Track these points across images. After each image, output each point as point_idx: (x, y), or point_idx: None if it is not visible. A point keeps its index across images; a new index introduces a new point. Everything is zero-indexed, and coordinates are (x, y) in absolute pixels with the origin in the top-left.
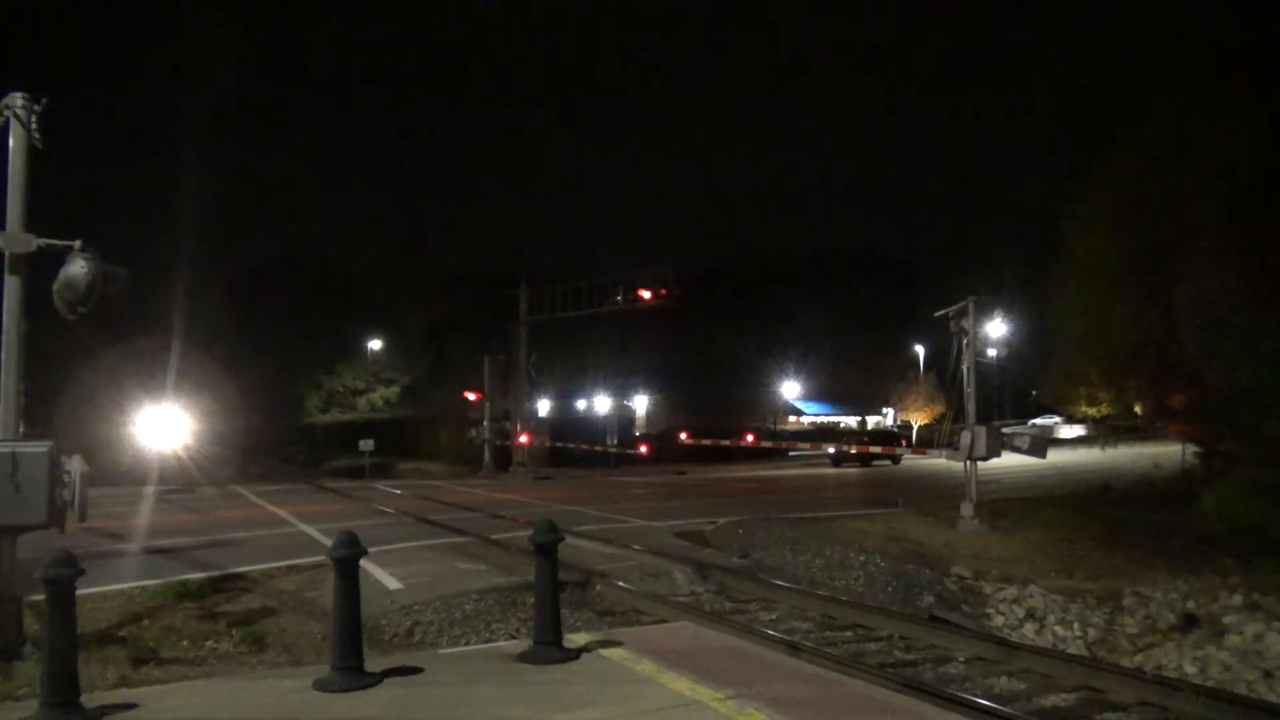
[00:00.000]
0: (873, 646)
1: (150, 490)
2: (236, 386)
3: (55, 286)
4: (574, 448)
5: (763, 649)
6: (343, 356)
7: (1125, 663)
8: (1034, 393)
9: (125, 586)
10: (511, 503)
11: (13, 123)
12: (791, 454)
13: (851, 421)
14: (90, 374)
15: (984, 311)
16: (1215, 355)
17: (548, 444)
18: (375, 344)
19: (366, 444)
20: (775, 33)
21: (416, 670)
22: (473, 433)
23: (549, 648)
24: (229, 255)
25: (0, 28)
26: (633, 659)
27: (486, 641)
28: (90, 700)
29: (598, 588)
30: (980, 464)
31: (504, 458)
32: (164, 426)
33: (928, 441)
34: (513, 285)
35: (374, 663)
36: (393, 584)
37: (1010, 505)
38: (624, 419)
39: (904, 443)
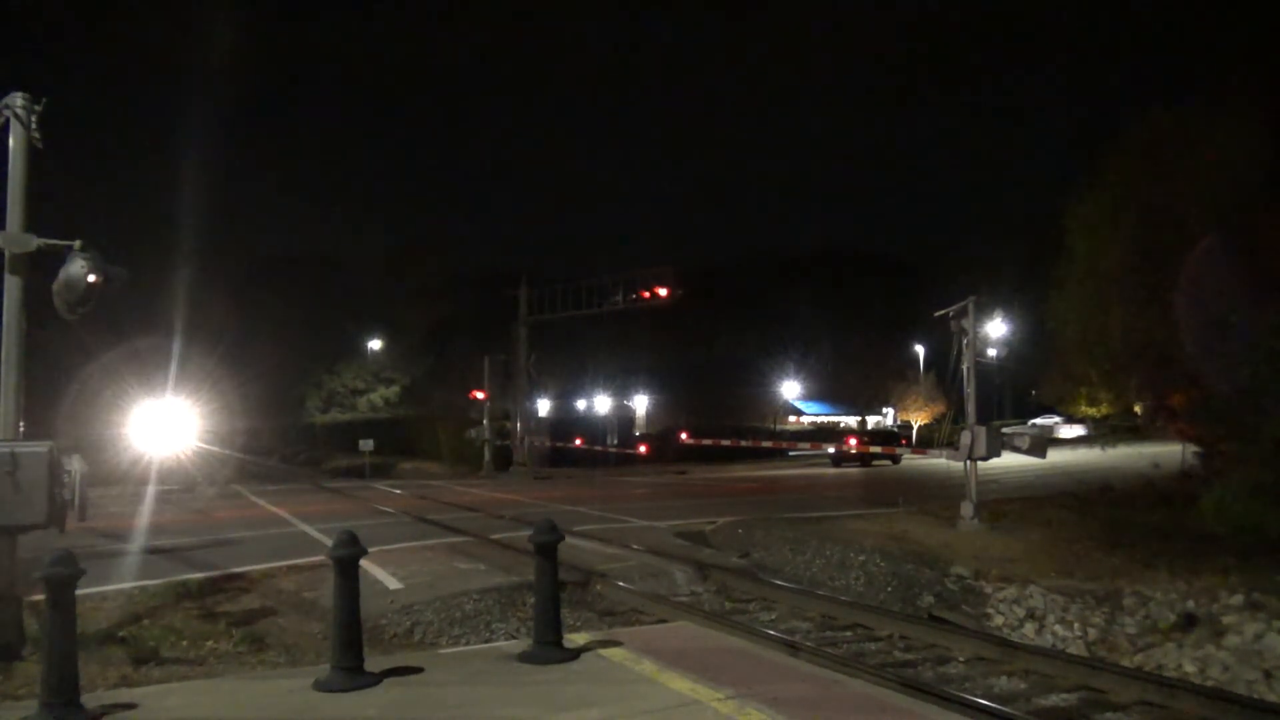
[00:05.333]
0: (873, 646)
1: (150, 490)
2: (237, 386)
3: (55, 286)
4: (574, 448)
5: (763, 649)
6: (343, 356)
7: (1125, 663)
8: (1034, 393)
9: (125, 586)
10: (511, 502)
11: (13, 123)
12: (791, 454)
13: (851, 421)
14: (91, 373)
15: (984, 311)
16: (1215, 355)
17: (548, 444)
18: (375, 344)
19: (366, 444)
20: (776, 32)
21: (416, 670)
22: (473, 433)
23: (549, 648)
24: (229, 255)
25: (0, 28)
26: (633, 659)
27: (486, 641)
28: (90, 700)
29: (598, 588)
30: (980, 464)
31: (504, 458)
32: (164, 426)
33: (928, 441)
34: (513, 285)
35: (374, 663)
36: (393, 584)
37: (1010, 505)
38: (624, 419)
39: (904, 443)
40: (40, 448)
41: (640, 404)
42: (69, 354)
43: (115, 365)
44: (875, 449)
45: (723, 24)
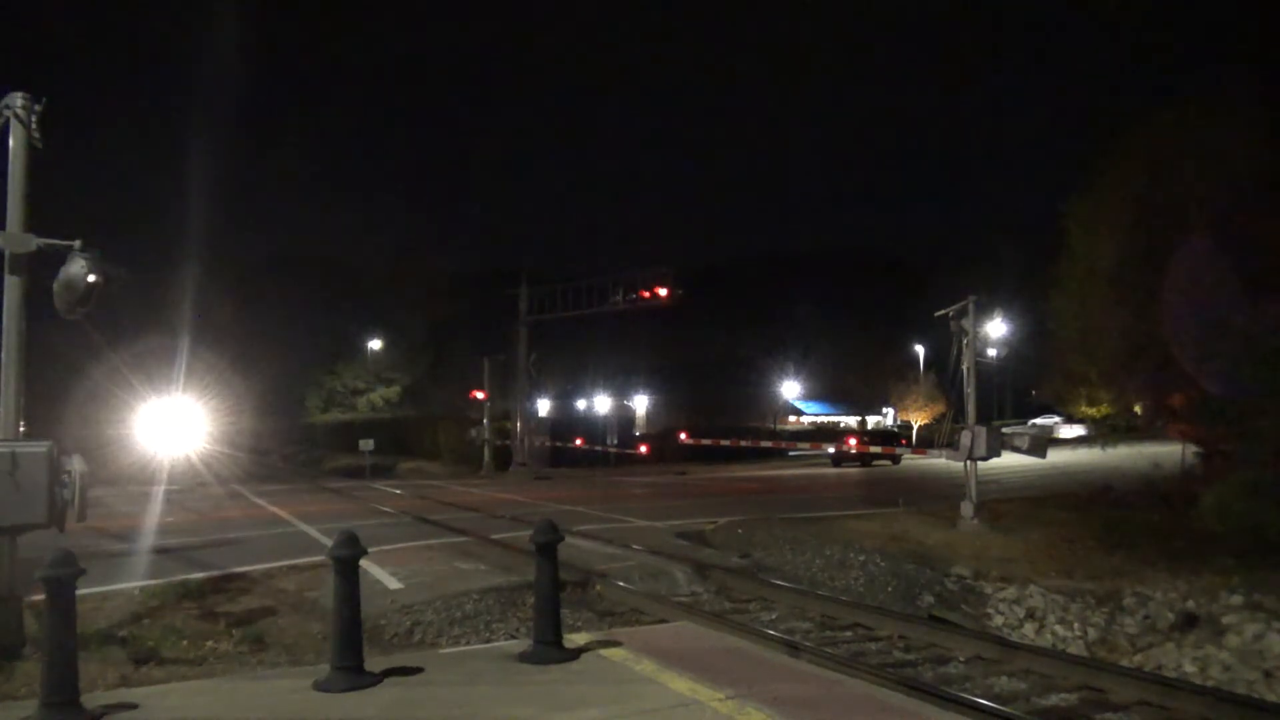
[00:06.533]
0: (873, 646)
1: (152, 490)
2: (238, 386)
3: (55, 286)
4: (574, 448)
5: (763, 649)
6: (343, 356)
7: (1125, 663)
8: (1034, 393)
9: (125, 586)
10: (511, 503)
11: (13, 123)
12: (791, 454)
13: (851, 421)
14: (97, 373)
15: (984, 311)
16: (1215, 355)
17: (548, 444)
18: (375, 344)
19: (366, 444)
20: (775, 32)
21: (417, 670)
22: (473, 433)
23: (549, 648)
24: (229, 255)
25: (0, 27)
26: (633, 659)
27: (486, 641)
28: (90, 700)
29: (598, 588)
30: (980, 464)
31: (504, 458)
32: (167, 426)
33: (928, 441)
34: (513, 285)
35: (374, 663)
36: (393, 584)
37: (1010, 505)
38: (624, 419)
39: (904, 443)
40: (40, 448)
41: (640, 404)
42: (75, 353)
43: (121, 364)
44: (875, 449)
45: (723, 25)
